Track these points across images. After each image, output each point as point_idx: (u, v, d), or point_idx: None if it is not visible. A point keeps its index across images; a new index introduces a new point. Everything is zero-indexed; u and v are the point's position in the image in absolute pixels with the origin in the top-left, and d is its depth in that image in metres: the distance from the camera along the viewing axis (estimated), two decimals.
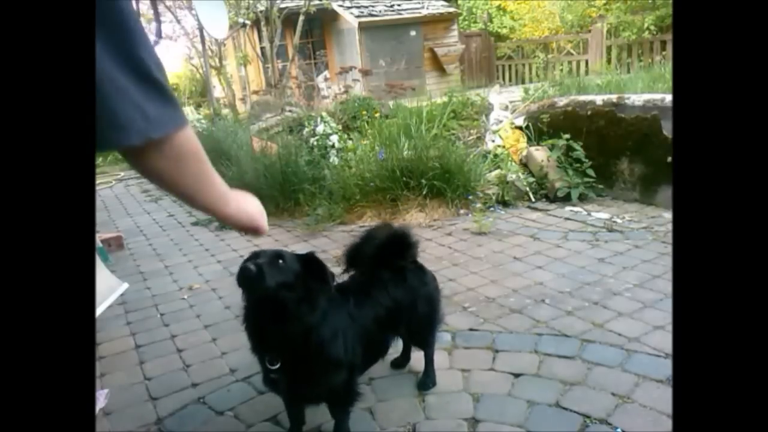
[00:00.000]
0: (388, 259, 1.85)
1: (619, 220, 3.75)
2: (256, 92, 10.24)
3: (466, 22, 14.64)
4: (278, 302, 1.45)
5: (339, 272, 1.83)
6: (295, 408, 1.75)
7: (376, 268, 1.83)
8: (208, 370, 2.25)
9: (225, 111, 9.86)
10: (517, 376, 2.02)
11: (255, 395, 2.04)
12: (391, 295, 1.80)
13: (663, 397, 1.81)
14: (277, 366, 1.53)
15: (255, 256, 1.46)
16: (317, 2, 9.93)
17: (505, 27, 14.21)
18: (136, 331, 2.70)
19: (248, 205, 1.08)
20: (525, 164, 4.69)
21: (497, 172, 4.54)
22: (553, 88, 6.33)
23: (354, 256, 1.87)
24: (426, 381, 1.99)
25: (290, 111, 6.62)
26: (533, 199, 4.38)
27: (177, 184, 0.91)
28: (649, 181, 4.10)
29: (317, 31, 12.55)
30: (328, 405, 1.72)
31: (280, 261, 1.46)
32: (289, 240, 3.98)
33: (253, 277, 1.38)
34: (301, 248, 3.75)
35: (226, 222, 1.08)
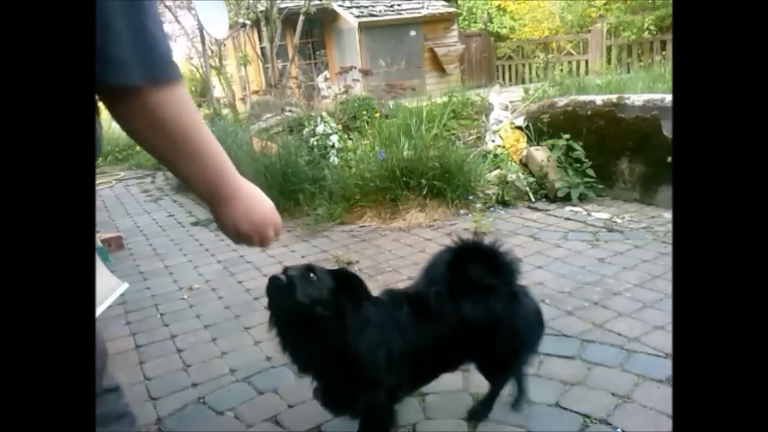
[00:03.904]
0: (466, 274, 1.58)
1: (619, 220, 3.75)
2: (256, 92, 10.22)
3: (466, 22, 14.64)
4: (311, 319, 1.33)
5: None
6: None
7: (451, 283, 1.58)
8: (208, 370, 2.25)
9: (225, 111, 9.85)
10: None
11: (255, 395, 2.04)
12: (462, 313, 1.54)
13: (663, 397, 1.81)
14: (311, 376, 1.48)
15: (284, 270, 1.36)
16: (317, 2, 9.91)
17: (505, 27, 14.21)
18: (136, 331, 2.69)
19: (255, 213, 0.96)
20: (525, 164, 4.69)
21: (497, 172, 4.54)
22: (553, 88, 6.31)
23: (431, 270, 1.64)
24: (481, 410, 1.78)
25: (290, 111, 6.60)
26: (533, 199, 4.38)
27: (156, 152, 0.85)
28: (649, 181, 4.09)
29: (317, 31, 12.54)
30: (360, 421, 1.59)
31: (312, 275, 1.34)
32: (289, 240, 3.98)
33: (283, 288, 1.27)
34: (301, 248, 3.75)
35: (218, 222, 0.95)
